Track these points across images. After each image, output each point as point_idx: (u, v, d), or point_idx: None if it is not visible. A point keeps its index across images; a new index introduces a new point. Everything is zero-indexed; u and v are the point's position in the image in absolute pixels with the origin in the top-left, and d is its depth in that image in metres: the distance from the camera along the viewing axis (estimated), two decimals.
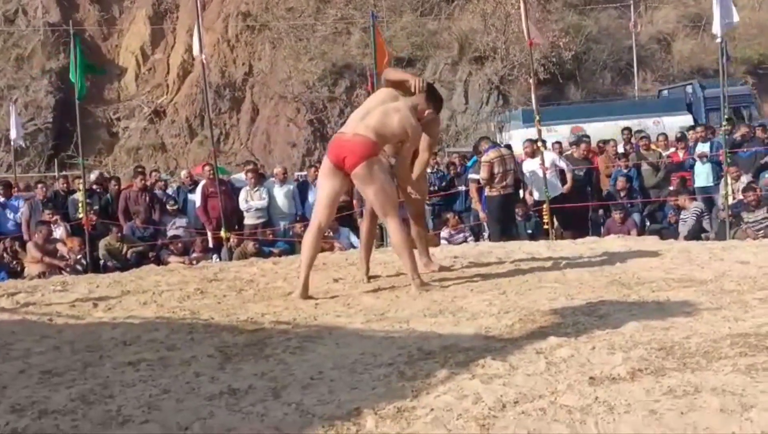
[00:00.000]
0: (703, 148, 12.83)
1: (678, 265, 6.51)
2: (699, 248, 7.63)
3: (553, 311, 4.90)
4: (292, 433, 3.04)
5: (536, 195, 12.61)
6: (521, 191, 12.78)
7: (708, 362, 3.60)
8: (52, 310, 5.92)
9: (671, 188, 12.83)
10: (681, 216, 11.89)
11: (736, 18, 10.24)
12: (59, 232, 12.61)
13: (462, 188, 14.03)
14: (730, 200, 10.90)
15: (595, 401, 3.17)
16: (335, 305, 5.56)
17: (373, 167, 5.85)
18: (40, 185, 14.25)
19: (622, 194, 12.78)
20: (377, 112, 5.97)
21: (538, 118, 12.32)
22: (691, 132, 14.33)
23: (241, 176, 14.42)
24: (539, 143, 12.38)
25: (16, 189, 14.63)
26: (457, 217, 13.08)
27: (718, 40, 10.71)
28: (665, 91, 25.57)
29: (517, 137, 19.19)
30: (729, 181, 11.00)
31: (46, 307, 6.07)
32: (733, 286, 5.43)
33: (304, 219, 12.97)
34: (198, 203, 13.19)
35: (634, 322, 4.42)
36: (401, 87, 6.11)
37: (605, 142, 15.49)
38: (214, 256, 12.24)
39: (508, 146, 14.33)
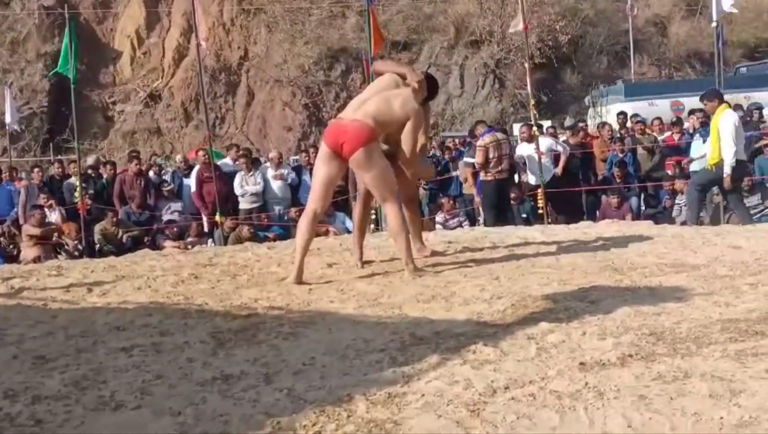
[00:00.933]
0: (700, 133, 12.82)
1: (671, 250, 6.53)
2: (692, 233, 7.64)
3: (546, 296, 4.91)
4: (284, 418, 3.06)
5: (532, 180, 12.63)
6: (516, 176, 12.78)
7: (698, 347, 3.63)
8: (46, 295, 5.92)
9: (668, 172, 12.84)
10: (676, 201, 11.90)
11: (730, 7, 10.23)
12: (54, 216, 12.60)
13: (455, 173, 14.04)
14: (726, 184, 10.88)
15: (585, 386, 3.19)
16: (329, 290, 5.57)
17: (372, 152, 5.86)
18: (36, 170, 14.21)
19: (618, 179, 12.78)
20: (377, 98, 5.98)
21: (533, 102, 12.33)
22: (691, 117, 14.31)
23: (228, 160, 14.43)
24: (534, 128, 12.38)
25: (7, 175, 14.59)
26: (451, 201, 13.09)
27: (714, 24, 10.69)
28: (743, 69, 25.40)
29: (616, 112, 18.53)
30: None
31: (40, 292, 6.07)
32: (725, 271, 5.46)
33: (299, 204, 13.03)
34: (193, 188, 13.18)
35: (626, 307, 4.44)
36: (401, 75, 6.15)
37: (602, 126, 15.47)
38: (209, 241, 12.24)
39: (504, 130, 14.33)
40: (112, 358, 4.00)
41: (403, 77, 6.14)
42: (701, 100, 10.28)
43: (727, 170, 9.40)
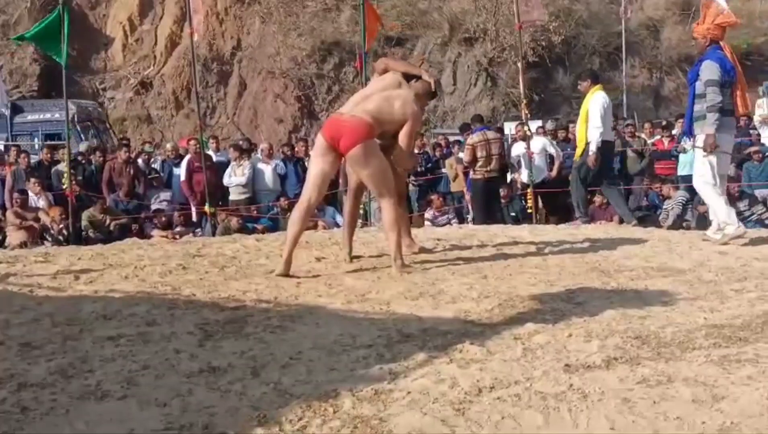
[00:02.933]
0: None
1: (658, 253, 6.58)
2: (679, 237, 7.69)
3: (533, 297, 4.94)
4: (270, 412, 3.07)
5: (525, 178, 12.67)
6: (509, 174, 12.83)
7: (682, 352, 3.66)
8: (33, 281, 5.90)
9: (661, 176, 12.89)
10: (664, 205, 11.95)
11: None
12: (42, 202, 12.56)
13: (444, 170, 14.08)
14: None
15: (570, 388, 3.21)
16: (317, 284, 5.58)
17: (369, 148, 5.88)
18: (23, 154, 14.12)
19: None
20: (378, 96, 6.01)
21: (525, 101, 12.36)
22: (679, 120, 14.35)
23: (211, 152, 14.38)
24: (526, 127, 12.42)
25: None
26: (441, 199, 13.12)
27: None
28: None
29: None
30: None
31: (27, 278, 6.06)
32: (710, 276, 5.50)
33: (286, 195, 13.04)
34: (183, 177, 13.17)
35: (612, 310, 4.48)
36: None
37: None
38: (198, 230, 12.23)
39: (499, 129, 14.38)
40: (99, 347, 4.01)
41: (409, 78, 6.18)
42: (579, 79, 10.40)
43: (592, 147, 9.36)
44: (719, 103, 7.14)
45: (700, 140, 7.32)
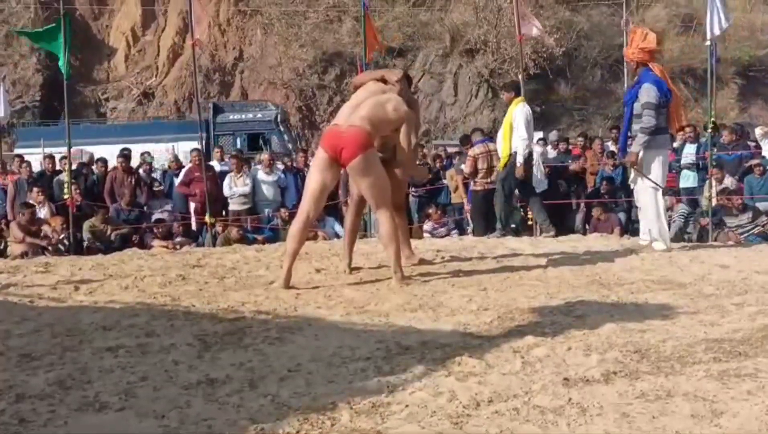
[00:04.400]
0: (690, 149, 12.88)
1: (658, 267, 6.57)
2: (680, 250, 7.68)
3: (532, 309, 4.94)
4: (268, 425, 3.07)
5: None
6: None
7: (682, 366, 3.65)
8: (33, 292, 5.92)
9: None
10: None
11: (725, 24, 10.30)
12: (44, 212, 12.55)
13: (445, 181, 14.08)
14: (714, 202, 10.95)
15: (569, 402, 3.21)
16: (316, 296, 5.58)
17: (371, 159, 5.88)
18: (24, 164, 14.13)
19: (606, 195, 12.79)
20: (369, 103, 6.02)
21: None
22: (679, 133, 14.36)
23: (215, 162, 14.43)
24: None
25: None
26: (439, 211, 13.11)
27: (708, 42, 10.75)
28: None
29: None
30: (713, 183, 11.06)
31: (27, 288, 6.07)
32: (711, 290, 5.49)
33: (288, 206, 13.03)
34: (179, 181, 13.23)
35: (612, 323, 4.47)
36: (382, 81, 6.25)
37: (591, 140, 15.54)
38: (198, 240, 12.22)
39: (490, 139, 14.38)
40: (98, 358, 4.00)
41: (384, 81, 6.22)
42: (502, 89, 10.56)
43: (519, 159, 9.51)
44: (652, 127, 7.51)
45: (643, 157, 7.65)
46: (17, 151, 20.46)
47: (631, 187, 8.15)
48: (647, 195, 7.68)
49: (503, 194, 9.84)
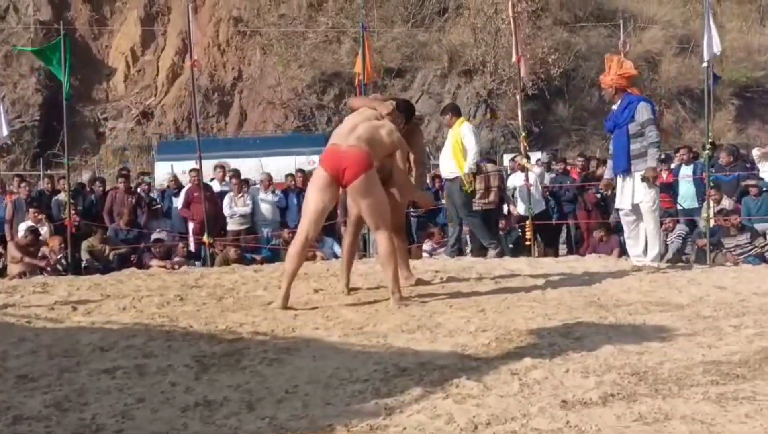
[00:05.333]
0: (687, 170, 12.90)
1: (656, 288, 6.57)
2: (678, 271, 7.69)
3: (530, 331, 4.93)
4: None
5: (521, 211, 12.70)
6: (505, 206, 12.85)
7: (680, 389, 3.64)
8: (31, 312, 5.92)
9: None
10: (665, 239, 11.93)
11: (717, 48, 10.41)
12: (43, 231, 12.54)
13: (443, 201, 14.09)
14: (711, 223, 10.95)
15: (567, 425, 3.20)
16: (314, 317, 5.58)
17: (371, 179, 5.90)
18: (23, 184, 14.13)
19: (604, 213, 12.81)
20: (365, 125, 6.04)
21: (524, 134, 12.39)
22: (677, 154, 14.38)
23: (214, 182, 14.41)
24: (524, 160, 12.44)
25: None
26: (440, 230, 13.11)
27: (705, 64, 10.80)
28: None
29: None
30: (711, 204, 11.06)
31: (25, 309, 6.07)
32: (709, 312, 5.49)
33: (287, 226, 13.03)
34: (180, 204, 13.22)
35: (609, 346, 4.46)
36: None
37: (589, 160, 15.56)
38: (198, 263, 12.21)
39: (493, 161, 14.43)
40: (95, 380, 4.00)
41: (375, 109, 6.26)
42: (441, 114, 10.72)
43: (466, 169, 9.72)
44: (659, 139, 7.74)
45: (640, 174, 7.73)
46: (158, 164, 20.15)
47: (620, 209, 8.19)
48: (654, 213, 7.82)
49: (469, 213, 10.15)
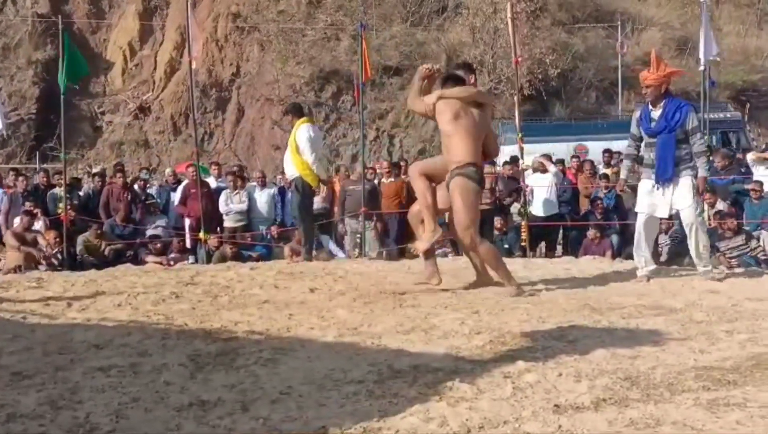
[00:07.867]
0: None
1: (650, 291, 6.59)
2: (672, 274, 7.71)
3: (524, 334, 4.95)
4: None
5: (539, 211, 12.69)
6: (514, 205, 12.90)
7: (671, 394, 3.66)
8: (25, 308, 5.92)
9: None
10: (660, 241, 11.94)
11: (716, 51, 10.42)
12: (39, 225, 12.54)
13: None
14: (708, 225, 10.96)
15: (558, 429, 3.22)
16: (309, 316, 5.58)
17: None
18: (20, 178, 14.12)
19: (599, 216, 12.80)
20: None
21: (520, 135, 12.40)
22: None
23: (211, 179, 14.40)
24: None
25: None
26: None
27: (702, 68, 10.84)
28: None
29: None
30: (705, 208, 11.08)
31: (19, 304, 6.07)
32: (702, 316, 5.50)
33: (284, 224, 13.04)
34: (177, 200, 13.21)
35: (602, 349, 4.48)
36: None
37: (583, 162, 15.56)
38: (191, 258, 12.22)
39: (492, 162, 14.40)
40: (89, 378, 4.01)
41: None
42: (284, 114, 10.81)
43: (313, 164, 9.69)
44: (707, 148, 7.56)
45: (687, 181, 7.35)
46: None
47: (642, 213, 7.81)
48: (701, 218, 7.65)
49: (304, 215, 9.97)
